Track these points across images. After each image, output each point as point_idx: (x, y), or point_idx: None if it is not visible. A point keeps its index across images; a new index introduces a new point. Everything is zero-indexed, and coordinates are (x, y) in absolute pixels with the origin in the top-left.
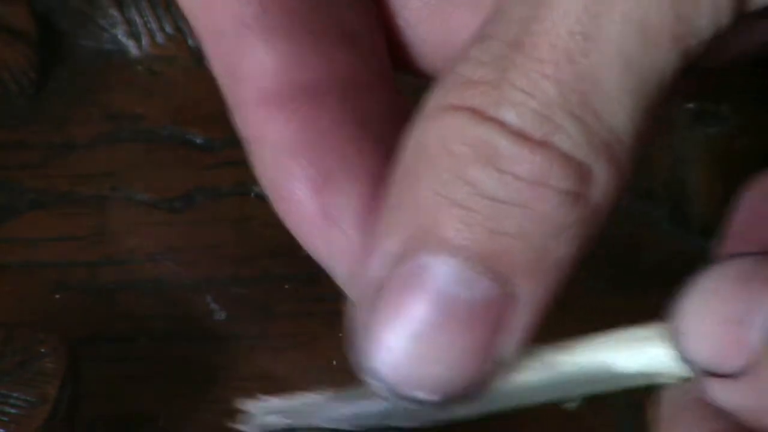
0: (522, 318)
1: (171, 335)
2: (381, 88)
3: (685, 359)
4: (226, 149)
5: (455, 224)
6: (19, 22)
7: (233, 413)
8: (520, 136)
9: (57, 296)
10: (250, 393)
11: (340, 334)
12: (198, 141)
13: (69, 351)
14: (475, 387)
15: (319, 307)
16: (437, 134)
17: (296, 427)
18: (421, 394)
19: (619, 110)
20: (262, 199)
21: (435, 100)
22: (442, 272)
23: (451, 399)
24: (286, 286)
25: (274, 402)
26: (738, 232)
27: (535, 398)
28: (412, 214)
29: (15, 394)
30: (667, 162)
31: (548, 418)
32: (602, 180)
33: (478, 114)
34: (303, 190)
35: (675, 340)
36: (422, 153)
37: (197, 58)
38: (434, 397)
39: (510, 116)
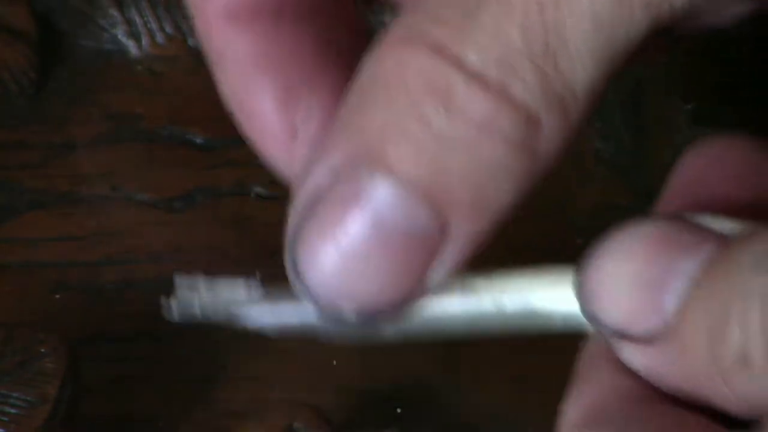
0: (452, 252)
1: (171, 335)
2: (343, 12)
3: (592, 318)
4: (226, 149)
5: (401, 153)
6: (19, 22)
7: (233, 414)
8: (477, 77)
9: (57, 296)
10: (250, 394)
11: None
12: (198, 141)
13: (69, 351)
14: (399, 309)
15: None
16: (396, 63)
17: (216, 321)
18: (345, 310)
19: (579, 66)
20: (262, 199)
21: (399, 28)
22: (381, 194)
23: (373, 318)
24: None
25: (201, 283)
26: (673, 194)
27: (455, 326)
28: (361, 134)
29: (15, 394)
30: (667, 162)
31: (548, 418)
32: (550, 132)
33: (440, 50)
34: (268, 104)
35: (584, 297)
36: (379, 78)
37: (197, 58)
38: (358, 314)
39: (471, 57)
